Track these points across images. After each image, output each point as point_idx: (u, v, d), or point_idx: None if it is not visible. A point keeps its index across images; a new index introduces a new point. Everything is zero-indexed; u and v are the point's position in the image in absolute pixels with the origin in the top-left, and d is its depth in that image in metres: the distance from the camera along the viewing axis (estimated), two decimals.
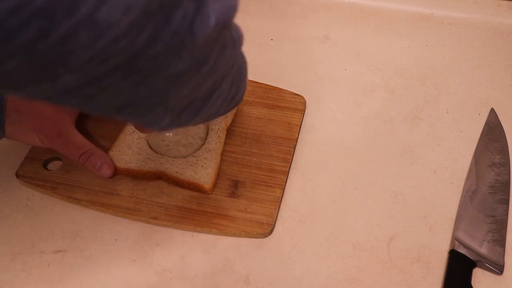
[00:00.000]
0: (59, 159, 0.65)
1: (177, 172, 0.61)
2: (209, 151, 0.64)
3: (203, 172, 0.62)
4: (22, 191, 0.63)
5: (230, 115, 0.67)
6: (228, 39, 0.39)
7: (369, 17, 0.82)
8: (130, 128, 0.66)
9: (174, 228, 0.60)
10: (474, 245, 0.57)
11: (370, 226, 0.60)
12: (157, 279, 0.57)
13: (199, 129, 0.65)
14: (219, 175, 0.63)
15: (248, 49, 0.79)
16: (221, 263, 0.58)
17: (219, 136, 0.65)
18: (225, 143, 0.66)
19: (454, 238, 0.58)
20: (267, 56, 0.78)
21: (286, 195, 0.63)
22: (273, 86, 0.72)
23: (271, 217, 0.60)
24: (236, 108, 0.68)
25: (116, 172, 0.63)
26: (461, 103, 0.72)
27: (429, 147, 0.67)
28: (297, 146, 0.67)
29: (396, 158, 0.66)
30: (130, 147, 0.64)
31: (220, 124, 0.66)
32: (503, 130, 0.68)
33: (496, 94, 0.72)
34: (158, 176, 0.62)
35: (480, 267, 0.57)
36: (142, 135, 0.65)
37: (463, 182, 0.64)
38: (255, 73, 0.74)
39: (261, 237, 0.59)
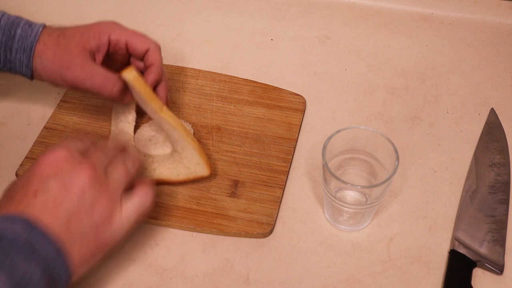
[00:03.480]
0: None
1: (172, 173, 0.61)
2: (177, 141, 0.61)
3: (193, 162, 0.61)
4: None
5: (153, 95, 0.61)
6: None
7: (369, 17, 0.82)
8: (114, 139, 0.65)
9: (174, 228, 0.60)
10: (474, 245, 0.57)
11: (370, 226, 0.60)
12: (157, 279, 0.57)
13: (157, 120, 0.62)
14: (219, 174, 0.63)
15: (248, 49, 0.79)
16: (221, 263, 0.58)
17: (168, 122, 0.60)
18: (225, 143, 0.66)
19: (454, 238, 0.58)
20: (267, 56, 0.78)
21: (286, 195, 0.63)
22: (273, 86, 0.72)
23: (271, 217, 0.60)
24: (167, 84, 0.63)
25: None
26: (461, 103, 0.72)
27: (429, 147, 0.67)
28: (297, 146, 0.67)
29: None
30: None
31: (153, 110, 0.60)
32: (503, 130, 0.68)
33: (496, 94, 0.72)
34: (157, 183, 0.61)
35: (480, 267, 0.57)
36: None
37: (463, 182, 0.64)
38: (255, 73, 0.74)
39: (261, 237, 0.59)
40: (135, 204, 0.52)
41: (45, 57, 0.59)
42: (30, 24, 0.60)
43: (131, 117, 0.66)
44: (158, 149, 0.64)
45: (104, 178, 0.50)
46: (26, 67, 0.59)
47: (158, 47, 0.63)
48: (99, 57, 0.61)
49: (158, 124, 0.63)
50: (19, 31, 0.58)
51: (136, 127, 0.67)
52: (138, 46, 0.62)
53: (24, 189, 0.47)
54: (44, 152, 0.50)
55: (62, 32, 0.61)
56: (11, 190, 0.49)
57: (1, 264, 0.42)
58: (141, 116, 0.67)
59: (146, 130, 0.66)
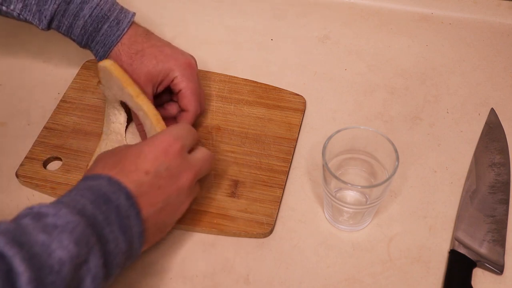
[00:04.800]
0: (59, 159, 0.65)
1: None
2: (149, 129, 0.60)
3: None
4: (22, 191, 0.63)
5: (128, 86, 0.60)
6: None
7: (369, 17, 0.82)
8: (104, 142, 0.65)
9: (174, 228, 0.60)
10: (474, 245, 0.57)
11: (370, 226, 0.60)
12: (157, 279, 0.57)
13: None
14: (219, 174, 0.63)
15: (248, 49, 0.79)
16: (221, 263, 0.58)
17: (142, 109, 0.60)
18: (225, 143, 0.66)
19: (454, 238, 0.58)
20: (267, 56, 0.78)
21: (286, 195, 0.63)
22: (273, 86, 0.72)
23: (271, 217, 0.60)
24: (123, 76, 0.61)
25: None
26: (461, 103, 0.72)
27: (429, 147, 0.67)
28: (297, 146, 0.67)
29: None
30: None
31: (130, 96, 0.60)
32: (503, 130, 0.68)
33: (496, 94, 0.72)
34: None
35: (480, 267, 0.57)
36: (115, 143, 0.65)
37: (463, 182, 0.64)
38: (255, 73, 0.74)
39: (261, 237, 0.59)
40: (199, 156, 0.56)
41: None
42: (118, 21, 0.63)
43: (122, 118, 0.66)
44: None
45: (196, 184, 0.56)
46: (100, 58, 0.64)
47: (195, 113, 0.64)
48: (159, 89, 0.64)
49: (135, 111, 0.62)
50: (105, 26, 0.62)
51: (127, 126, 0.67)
52: (182, 100, 0.64)
53: (135, 163, 0.51)
54: (164, 133, 0.54)
55: (140, 50, 0.63)
56: (122, 155, 0.52)
57: (102, 228, 0.45)
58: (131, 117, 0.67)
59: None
